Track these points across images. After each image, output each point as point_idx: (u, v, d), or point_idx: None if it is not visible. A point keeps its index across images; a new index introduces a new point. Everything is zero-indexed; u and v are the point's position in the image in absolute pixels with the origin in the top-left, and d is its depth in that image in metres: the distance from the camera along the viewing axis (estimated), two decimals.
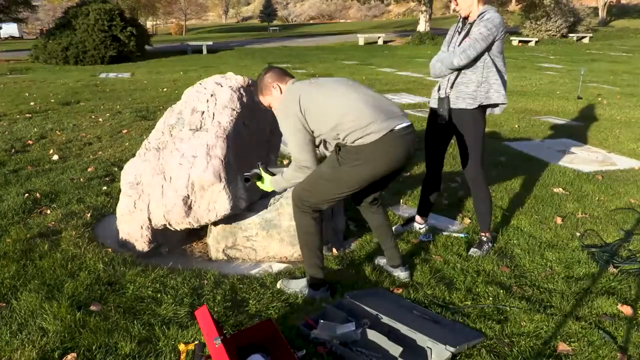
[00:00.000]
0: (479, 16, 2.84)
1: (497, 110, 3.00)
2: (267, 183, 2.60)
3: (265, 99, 2.56)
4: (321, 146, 2.54)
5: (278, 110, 2.43)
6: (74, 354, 2.06)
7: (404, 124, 2.39)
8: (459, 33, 2.96)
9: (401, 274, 2.74)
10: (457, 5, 2.91)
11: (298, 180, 2.47)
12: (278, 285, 2.63)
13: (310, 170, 2.42)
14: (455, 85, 2.94)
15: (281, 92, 2.47)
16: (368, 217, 2.76)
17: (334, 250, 3.06)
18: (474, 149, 2.99)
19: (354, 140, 2.33)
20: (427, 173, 3.29)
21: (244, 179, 2.67)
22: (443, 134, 3.12)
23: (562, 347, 2.16)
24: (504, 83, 2.91)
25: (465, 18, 2.95)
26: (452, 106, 2.96)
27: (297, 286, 2.59)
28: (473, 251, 3.03)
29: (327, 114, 2.33)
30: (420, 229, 3.37)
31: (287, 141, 2.43)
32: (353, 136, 2.32)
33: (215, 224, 3.01)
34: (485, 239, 3.09)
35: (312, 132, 2.38)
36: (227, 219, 2.96)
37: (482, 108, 2.96)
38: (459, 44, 2.88)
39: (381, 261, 2.87)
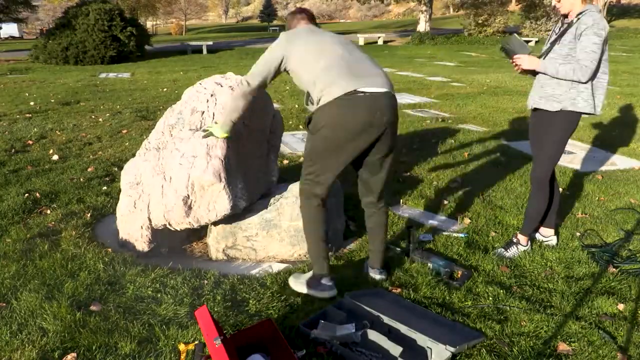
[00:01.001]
0: (578, 15, 2.68)
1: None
2: (215, 126, 2.73)
3: None
4: None
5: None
6: (74, 354, 2.06)
7: (374, 89, 2.30)
8: (556, 33, 2.82)
9: (376, 276, 2.73)
10: (558, 1, 2.78)
11: (236, 96, 2.50)
12: (290, 282, 2.64)
13: (246, 85, 2.46)
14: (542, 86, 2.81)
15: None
16: (368, 216, 2.74)
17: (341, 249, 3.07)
18: (544, 151, 2.89)
19: (319, 99, 2.34)
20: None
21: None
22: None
23: (562, 347, 2.16)
24: (602, 91, 2.74)
25: (565, 15, 2.80)
26: (535, 106, 2.87)
27: (305, 278, 2.60)
28: (498, 251, 3.01)
29: (308, 62, 2.39)
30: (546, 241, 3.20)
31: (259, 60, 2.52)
32: (319, 91, 2.33)
33: (215, 224, 3.01)
34: (515, 240, 3.04)
35: (285, 69, 2.50)
36: (227, 219, 2.96)
37: (570, 112, 2.76)
38: (553, 45, 2.77)
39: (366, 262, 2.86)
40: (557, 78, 2.72)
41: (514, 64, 2.84)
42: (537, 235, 3.21)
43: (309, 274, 2.61)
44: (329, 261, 2.58)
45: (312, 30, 2.53)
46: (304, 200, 2.54)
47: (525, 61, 2.78)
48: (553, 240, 3.18)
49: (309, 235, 2.56)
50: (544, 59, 2.81)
